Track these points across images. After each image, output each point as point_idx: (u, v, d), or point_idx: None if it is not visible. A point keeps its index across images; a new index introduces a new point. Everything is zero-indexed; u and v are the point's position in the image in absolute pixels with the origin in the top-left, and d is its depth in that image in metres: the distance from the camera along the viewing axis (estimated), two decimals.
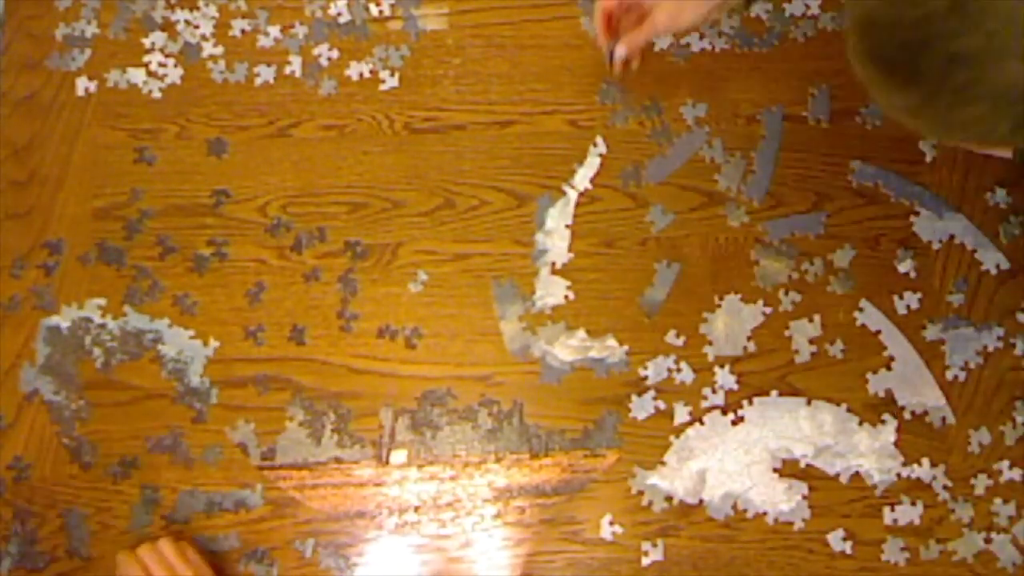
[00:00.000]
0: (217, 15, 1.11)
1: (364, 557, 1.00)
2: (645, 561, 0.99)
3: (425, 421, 1.02)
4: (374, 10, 1.11)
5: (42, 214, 1.08)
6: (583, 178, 1.06)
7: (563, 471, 1.01)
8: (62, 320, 1.05)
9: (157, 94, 1.10)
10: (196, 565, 0.95)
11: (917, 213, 1.04)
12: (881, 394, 1.01)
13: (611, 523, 0.99)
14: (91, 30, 1.12)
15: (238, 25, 1.11)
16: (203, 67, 1.10)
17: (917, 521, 0.98)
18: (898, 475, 0.99)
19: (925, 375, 1.01)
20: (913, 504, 0.98)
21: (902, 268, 1.03)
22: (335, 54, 1.10)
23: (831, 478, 0.99)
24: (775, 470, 1.00)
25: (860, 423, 1.00)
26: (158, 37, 1.11)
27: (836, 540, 0.98)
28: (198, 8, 1.12)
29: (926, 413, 1.00)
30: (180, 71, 1.10)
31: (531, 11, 1.11)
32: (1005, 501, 0.98)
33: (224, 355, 1.04)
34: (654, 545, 0.99)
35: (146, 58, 1.11)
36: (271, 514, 1.01)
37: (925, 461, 0.99)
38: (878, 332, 1.02)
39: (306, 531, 1.00)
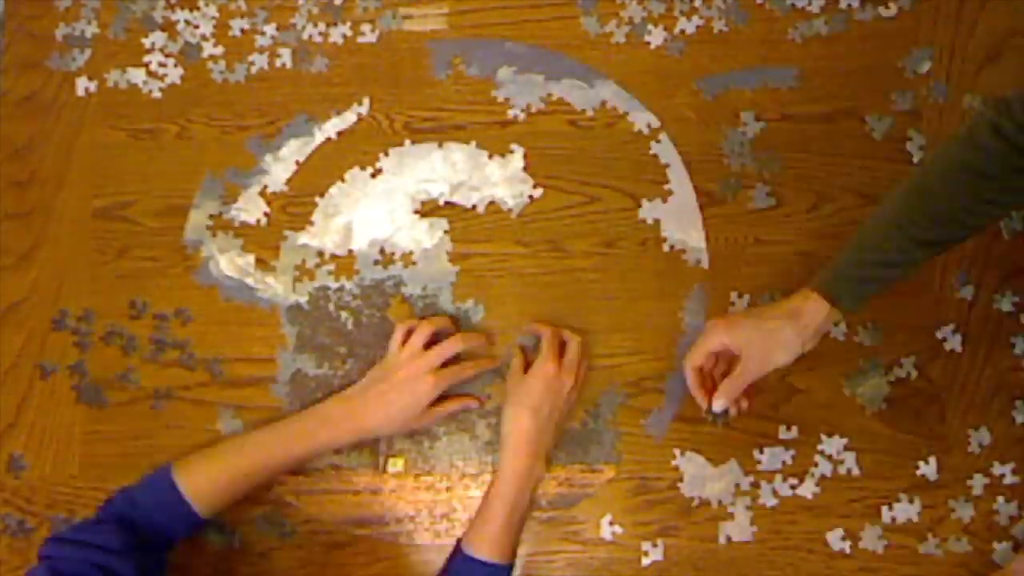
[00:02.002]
0: (217, 15, 1.11)
1: (364, 557, 1.00)
2: (645, 561, 0.99)
3: (423, 430, 1.02)
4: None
5: (42, 214, 1.08)
6: (334, 127, 1.08)
7: (560, 484, 1.00)
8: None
9: (157, 94, 1.10)
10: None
11: None
12: (650, 221, 1.05)
13: (611, 523, 0.99)
14: (91, 30, 1.12)
15: (238, 25, 1.11)
16: (203, 67, 1.10)
17: (916, 520, 0.98)
18: (530, 196, 1.04)
19: (695, 218, 1.04)
20: (912, 503, 0.98)
21: None
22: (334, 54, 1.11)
23: (469, 210, 1.05)
24: (415, 212, 1.04)
25: (490, 156, 1.05)
26: (158, 37, 1.11)
27: (835, 539, 0.98)
28: (198, 8, 1.12)
29: (684, 251, 1.04)
30: (180, 71, 1.10)
31: (531, 11, 1.11)
32: (1007, 500, 0.98)
33: (224, 355, 1.04)
34: (654, 545, 0.99)
35: (146, 58, 1.11)
36: (272, 514, 1.01)
37: (925, 461, 0.99)
38: (667, 166, 1.05)
39: (306, 530, 1.00)
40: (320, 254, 1.05)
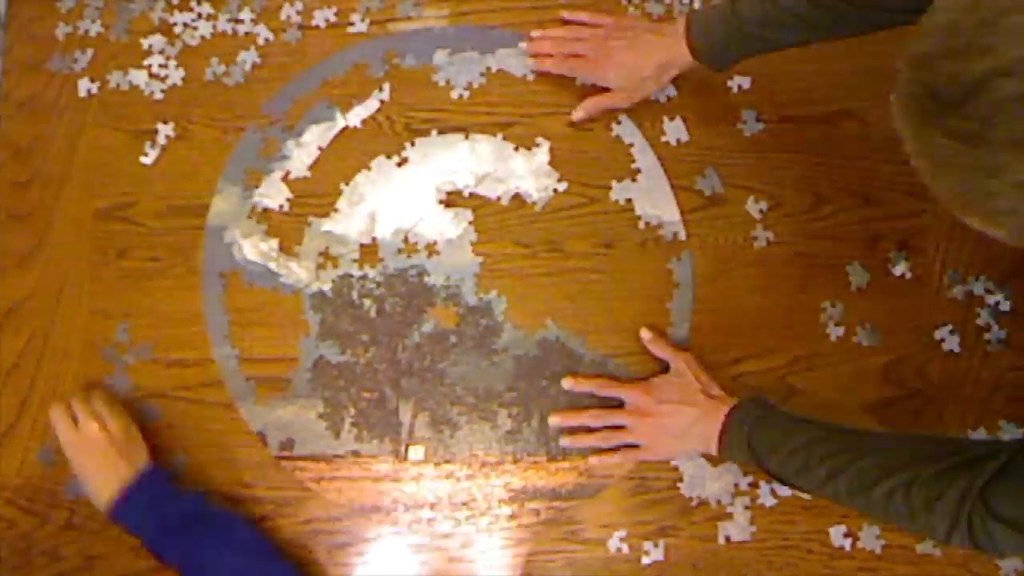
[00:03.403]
0: (217, 17, 1.12)
1: (364, 556, 1.00)
2: (645, 561, 0.99)
3: (444, 419, 1.02)
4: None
5: (44, 215, 1.08)
6: (356, 115, 1.08)
7: (579, 475, 1.01)
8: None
9: (158, 95, 1.11)
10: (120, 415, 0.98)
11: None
12: (623, 202, 1.06)
13: (611, 523, 0.99)
14: (94, 30, 1.12)
15: (238, 27, 1.11)
16: (203, 68, 1.11)
17: None
18: (555, 190, 1.05)
19: (666, 192, 1.05)
20: None
21: (897, 270, 1.03)
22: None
23: (494, 202, 1.05)
24: (440, 202, 1.04)
25: (516, 149, 1.05)
26: (159, 39, 1.11)
27: (837, 536, 0.98)
28: (198, 10, 1.12)
29: (660, 226, 1.05)
30: (181, 72, 1.11)
31: (531, 12, 1.11)
32: None
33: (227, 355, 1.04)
34: (655, 545, 0.99)
35: (147, 60, 1.11)
36: (272, 513, 1.01)
37: None
38: (631, 145, 1.06)
39: (306, 531, 1.01)
40: (344, 241, 1.06)
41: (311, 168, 1.07)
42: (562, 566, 0.99)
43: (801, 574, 0.98)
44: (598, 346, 1.03)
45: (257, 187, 1.07)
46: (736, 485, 0.99)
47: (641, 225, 1.05)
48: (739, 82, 1.08)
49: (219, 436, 1.03)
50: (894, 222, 1.04)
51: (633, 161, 1.07)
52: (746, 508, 0.99)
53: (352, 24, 1.11)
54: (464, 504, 1.01)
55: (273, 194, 1.07)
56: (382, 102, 1.09)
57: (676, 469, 1.00)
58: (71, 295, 1.06)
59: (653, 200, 1.06)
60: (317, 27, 1.11)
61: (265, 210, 1.07)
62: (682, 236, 1.05)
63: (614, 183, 1.06)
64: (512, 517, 1.00)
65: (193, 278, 1.06)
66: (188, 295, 1.06)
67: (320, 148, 1.08)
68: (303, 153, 1.07)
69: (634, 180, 1.06)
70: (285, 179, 1.07)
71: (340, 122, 1.08)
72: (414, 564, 1.00)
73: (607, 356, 1.03)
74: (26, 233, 1.08)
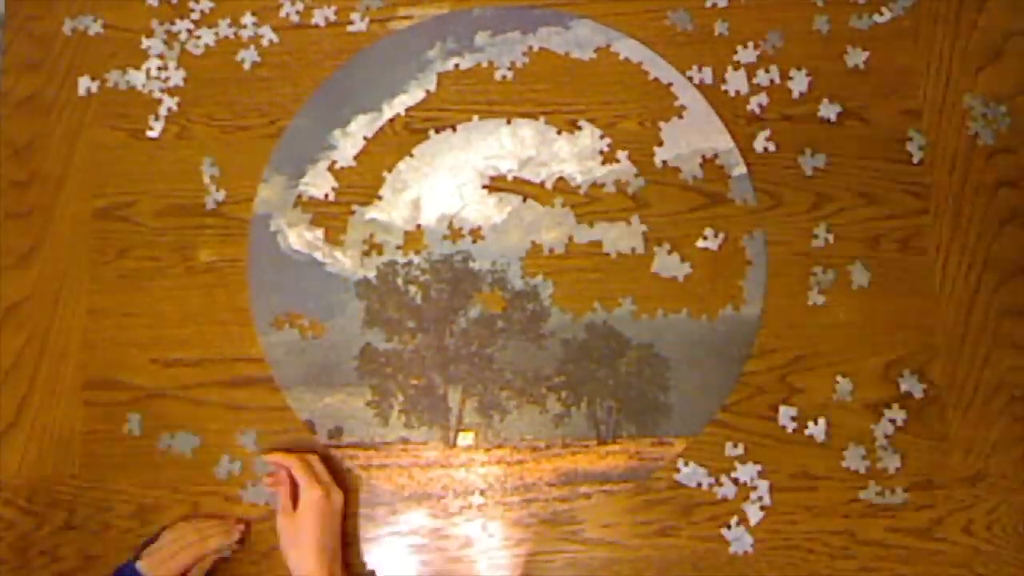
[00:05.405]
0: (218, 17, 1.11)
1: (364, 557, 1.00)
2: (646, 561, 0.99)
3: (493, 404, 1.02)
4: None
5: (43, 214, 1.08)
6: (401, 104, 1.08)
7: (630, 458, 1.01)
8: None
9: (158, 94, 1.10)
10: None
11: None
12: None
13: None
14: (93, 29, 1.12)
15: (240, 28, 1.11)
16: (203, 68, 1.11)
17: (916, 520, 0.98)
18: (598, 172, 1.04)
19: (715, 122, 1.05)
20: (911, 502, 0.98)
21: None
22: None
23: (538, 186, 1.05)
24: (484, 187, 1.04)
25: (559, 132, 1.05)
26: (160, 38, 1.11)
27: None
28: (199, 10, 1.12)
29: (716, 156, 1.05)
30: (181, 72, 1.11)
31: None
32: (1006, 501, 0.98)
33: (224, 355, 1.04)
34: (655, 545, 0.99)
35: (147, 59, 1.11)
36: (272, 514, 1.01)
37: (925, 460, 0.99)
38: (670, 84, 1.06)
39: None
40: (388, 229, 1.06)
41: (356, 157, 1.07)
42: (562, 566, 0.99)
43: (802, 574, 0.98)
44: (645, 328, 1.03)
45: (303, 176, 1.07)
46: (738, 484, 0.99)
47: (698, 160, 1.05)
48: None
49: (218, 436, 1.03)
50: (895, 221, 1.04)
51: (676, 99, 1.07)
52: (747, 508, 0.99)
53: (352, 23, 1.11)
54: (515, 489, 1.01)
55: (319, 183, 1.07)
56: (427, 92, 1.09)
57: (677, 469, 1.00)
58: (70, 295, 1.06)
59: (705, 134, 1.06)
60: (317, 26, 1.11)
61: (311, 199, 1.07)
62: (741, 168, 1.05)
63: (662, 124, 1.06)
64: (563, 501, 1.00)
65: (193, 277, 1.06)
66: (187, 294, 1.06)
67: (366, 138, 1.08)
68: (349, 143, 1.08)
69: (681, 117, 1.07)
70: (331, 168, 1.07)
71: (386, 112, 1.08)
72: (414, 564, 1.00)
73: (654, 338, 1.03)
74: (25, 232, 1.08)
